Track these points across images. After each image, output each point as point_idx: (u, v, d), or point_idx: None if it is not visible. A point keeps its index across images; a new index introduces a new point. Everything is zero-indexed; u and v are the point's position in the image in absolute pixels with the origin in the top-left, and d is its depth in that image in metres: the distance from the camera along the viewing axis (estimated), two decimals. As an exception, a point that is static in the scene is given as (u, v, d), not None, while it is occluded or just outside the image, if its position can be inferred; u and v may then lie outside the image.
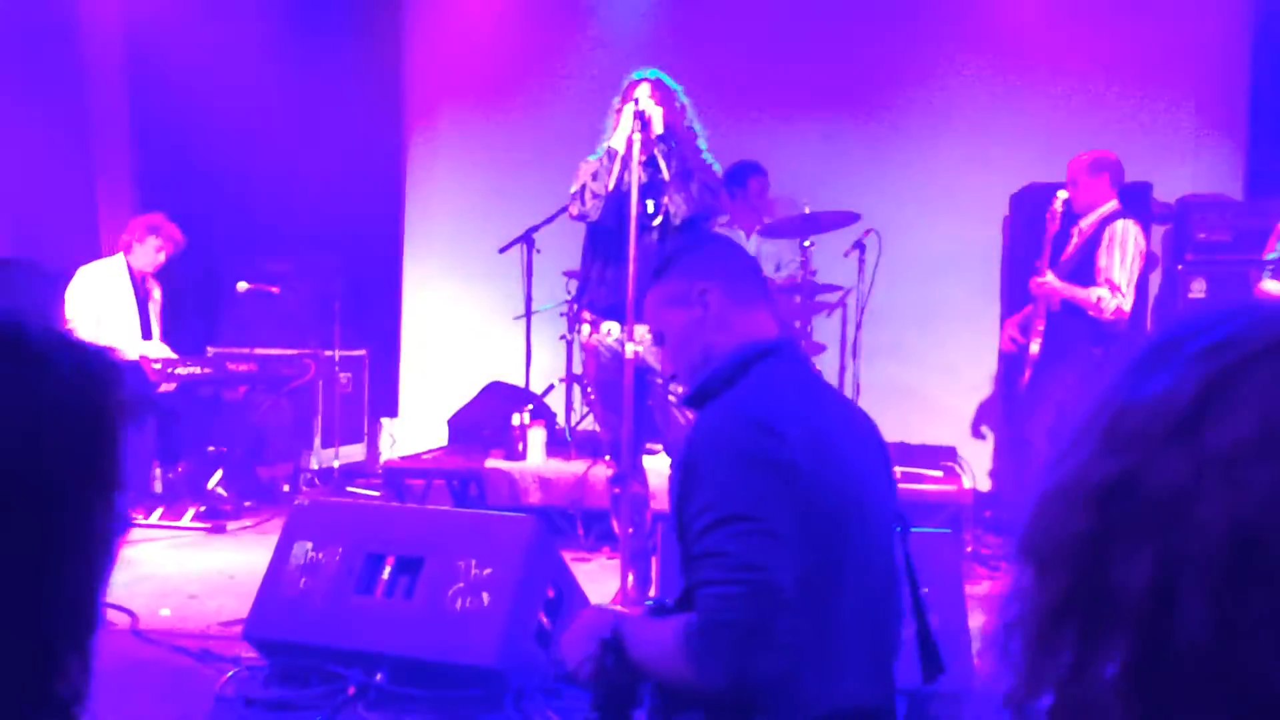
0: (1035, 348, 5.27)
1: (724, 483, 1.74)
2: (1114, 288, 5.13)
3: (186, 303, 6.67)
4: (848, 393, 6.43)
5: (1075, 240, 5.34)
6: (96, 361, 0.82)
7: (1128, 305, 5.16)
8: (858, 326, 6.32)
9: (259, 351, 6.89)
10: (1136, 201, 6.10)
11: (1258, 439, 0.55)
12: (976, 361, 6.84)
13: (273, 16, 7.42)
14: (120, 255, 6.15)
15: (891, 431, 7.15)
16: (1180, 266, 6.09)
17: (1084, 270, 5.21)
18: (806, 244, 6.03)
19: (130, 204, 7.37)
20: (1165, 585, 0.56)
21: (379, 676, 3.29)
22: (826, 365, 6.78)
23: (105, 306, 6.03)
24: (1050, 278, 5.20)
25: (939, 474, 5.60)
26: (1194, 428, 0.57)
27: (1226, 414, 0.57)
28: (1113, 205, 5.31)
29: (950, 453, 6.29)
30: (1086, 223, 5.31)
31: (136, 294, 6.13)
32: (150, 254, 6.12)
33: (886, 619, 1.87)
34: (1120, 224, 5.19)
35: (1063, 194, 5.29)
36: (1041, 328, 5.26)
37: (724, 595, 1.69)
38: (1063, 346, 5.20)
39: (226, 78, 7.33)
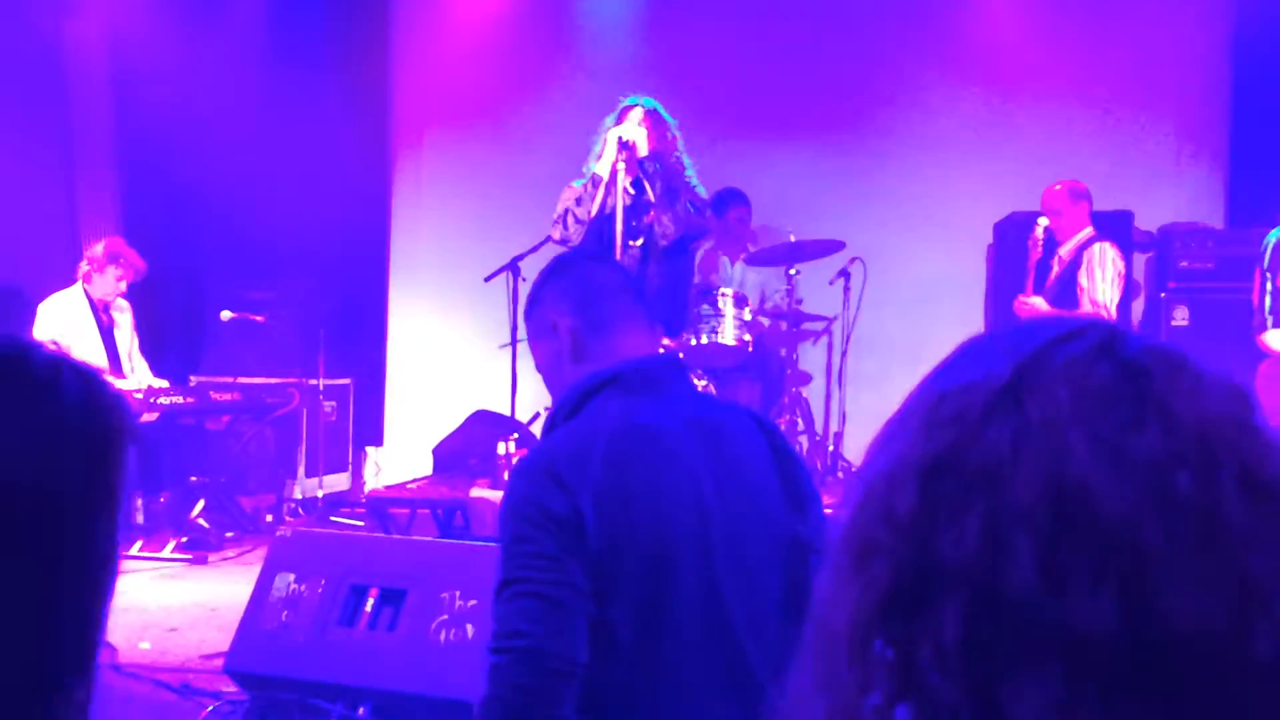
0: None
1: (503, 544, 1.71)
2: (1098, 307, 5.21)
3: (169, 331, 6.64)
4: (833, 421, 6.43)
5: (1056, 269, 5.42)
6: (100, 385, 0.82)
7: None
8: (843, 355, 6.33)
9: (242, 380, 6.85)
10: (1118, 229, 6.15)
11: (1070, 406, 0.60)
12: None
13: (258, 44, 7.43)
14: (79, 285, 6.00)
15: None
16: (1163, 294, 6.12)
17: (1066, 296, 5.28)
18: (792, 272, 6.04)
19: (113, 231, 7.33)
20: (993, 546, 0.58)
21: (362, 711, 3.25)
22: (813, 393, 6.79)
23: (70, 340, 5.90)
24: (1037, 300, 5.28)
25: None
26: (1012, 402, 0.62)
27: (1040, 388, 0.61)
28: (1089, 231, 5.42)
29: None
30: (1066, 250, 5.41)
31: (100, 324, 6.02)
32: (111, 283, 5.99)
33: (751, 654, 1.72)
34: (1098, 247, 5.32)
35: (1044, 221, 5.37)
36: None
37: (493, 666, 1.64)
38: None
39: (211, 104, 7.33)
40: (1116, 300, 5.32)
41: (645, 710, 1.69)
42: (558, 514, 1.66)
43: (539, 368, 1.98)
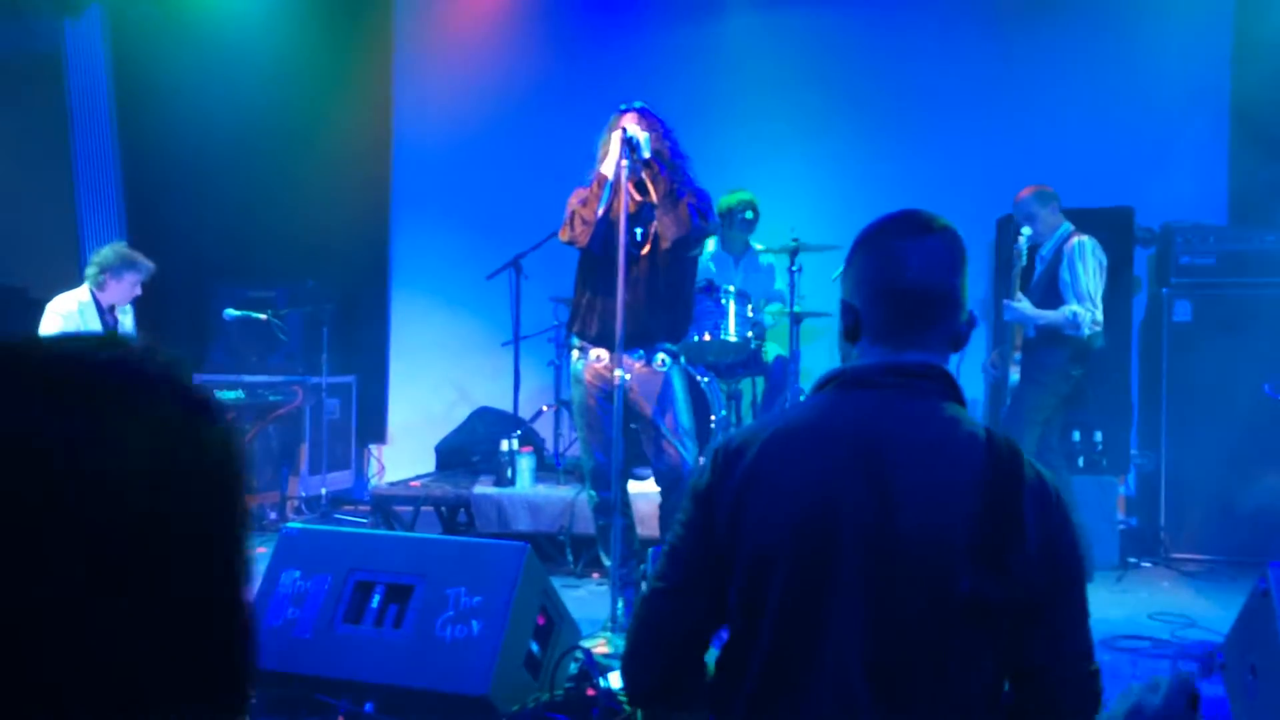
0: (1016, 376, 5.35)
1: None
2: (1083, 299, 5.23)
3: (173, 330, 6.65)
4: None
5: (1039, 268, 5.46)
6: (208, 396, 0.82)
7: (1100, 315, 5.26)
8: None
9: (246, 378, 6.87)
10: (1120, 226, 6.15)
11: None
12: (966, 383, 6.85)
13: (259, 44, 7.44)
14: (86, 288, 5.94)
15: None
16: (1165, 290, 6.13)
17: (1051, 295, 5.32)
18: (795, 269, 6.05)
19: (115, 231, 7.35)
20: None
21: (368, 706, 3.27)
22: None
23: None
24: (1024, 303, 5.29)
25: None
26: None
27: None
28: (1067, 227, 5.44)
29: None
30: (1047, 248, 5.44)
31: (105, 327, 6.00)
32: (127, 289, 5.93)
33: (864, 696, 1.58)
34: (1076, 241, 5.35)
35: (1026, 230, 5.39)
36: (1018, 357, 5.35)
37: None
38: (1041, 372, 5.29)
39: (214, 103, 7.35)
40: (1100, 291, 5.32)
41: (730, 697, 1.68)
42: (701, 492, 1.73)
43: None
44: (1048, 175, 6.55)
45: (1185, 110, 6.75)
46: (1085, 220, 6.18)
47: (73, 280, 6.63)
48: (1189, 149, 6.73)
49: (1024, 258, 5.37)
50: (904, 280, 1.71)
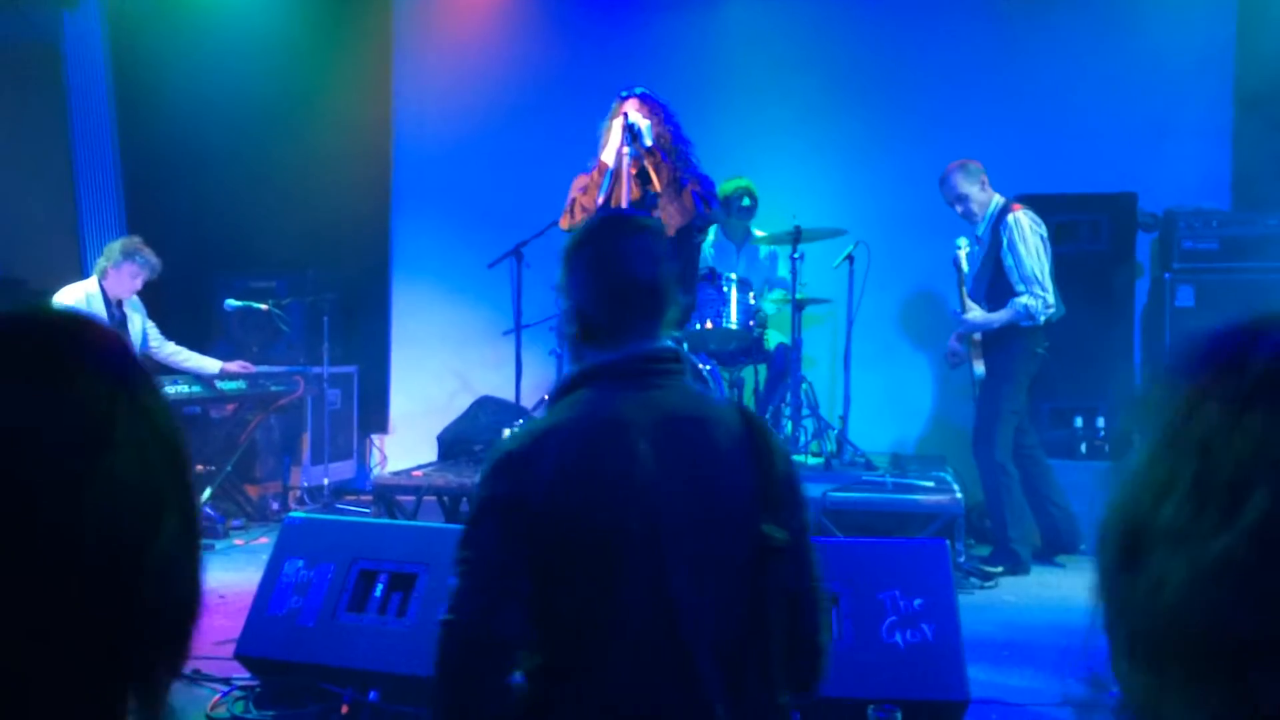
0: (981, 368, 5.30)
1: (467, 520, 1.84)
2: (1030, 283, 5.15)
3: (175, 321, 6.64)
4: (837, 402, 6.44)
5: (979, 252, 5.37)
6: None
7: (1051, 296, 5.19)
8: (848, 337, 6.32)
9: (250, 367, 6.86)
10: (1123, 211, 6.14)
11: None
12: (965, 371, 6.87)
13: (259, 32, 7.42)
14: (95, 279, 5.99)
15: (881, 441, 7.19)
16: (1168, 275, 6.11)
17: (999, 280, 5.24)
18: (796, 256, 6.04)
19: (114, 222, 7.34)
20: None
21: (372, 694, 3.27)
22: (818, 377, 6.80)
23: None
24: (976, 312, 5.22)
25: (930, 484, 5.60)
26: None
27: None
28: (998, 200, 5.34)
29: (940, 462, 6.30)
30: (983, 228, 5.35)
31: (111, 319, 6.01)
32: (127, 280, 5.97)
33: (698, 651, 1.76)
34: (1010, 218, 5.22)
35: (963, 242, 5.29)
36: (980, 351, 5.30)
37: (437, 638, 1.78)
38: (1009, 361, 5.25)
39: (213, 94, 7.33)
40: (1047, 268, 5.20)
41: (587, 691, 1.76)
42: (507, 500, 1.75)
43: (559, 338, 2.09)
44: (1050, 160, 6.55)
45: (1188, 95, 6.73)
46: (1088, 205, 6.18)
47: (73, 272, 6.62)
48: (1192, 134, 6.71)
49: (964, 266, 5.25)
50: (631, 277, 1.88)
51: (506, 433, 5.92)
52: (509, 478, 1.76)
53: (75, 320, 0.80)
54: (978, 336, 5.30)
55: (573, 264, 1.94)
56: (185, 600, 0.78)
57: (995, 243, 5.25)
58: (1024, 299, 5.14)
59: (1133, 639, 0.60)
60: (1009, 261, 5.18)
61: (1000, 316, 5.17)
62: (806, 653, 1.91)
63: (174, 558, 0.76)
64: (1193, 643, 0.56)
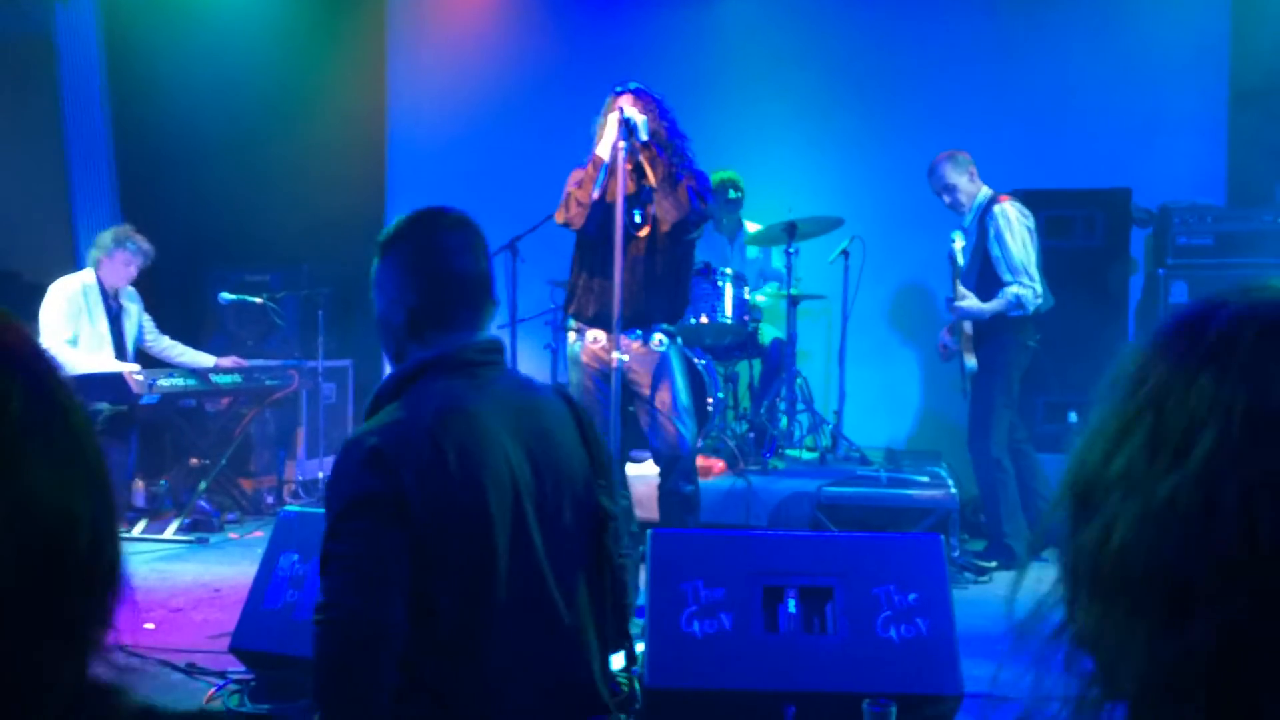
0: (972, 361, 5.29)
1: (328, 519, 1.83)
2: (1018, 274, 5.15)
3: (169, 314, 6.62)
4: (832, 397, 6.45)
5: (965, 243, 5.36)
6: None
7: (1040, 286, 5.18)
8: (843, 332, 6.33)
9: (242, 363, 6.85)
10: (1118, 207, 6.15)
11: None
12: (958, 365, 6.89)
13: (253, 26, 7.40)
14: (90, 270, 5.99)
15: (876, 436, 7.18)
16: (1162, 271, 6.13)
17: (987, 272, 5.24)
18: (791, 251, 6.04)
19: (108, 215, 7.32)
20: None
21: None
22: (812, 371, 6.80)
23: (78, 321, 5.89)
24: (970, 300, 5.20)
25: (925, 479, 5.61)
26: None
27: None
28: (984, 193, 5.33)
29: (934, 457, 6.31)
30: (969, 220, 5.34)
31: (109, 310, 6.01)
32: (121, 268, 5.97)
33: (563, 612, 1.93)
34: (996, 209, 5.21)
35: (958, 236, 5.26)
36: (971, 345, 5.29)
37: (314, 634, 1.79)
38: (1001, 354, 5.24)
39: (207, 87, 7.31)
40: (1035, 259, 5.19)
41: (467, 669, 1.83)
42: (378, 492, 1.78)
43: (379, 332, 2.07)
44: (1045, 155, 6.56)
45: (1183, 90, 6.74)
46: (1083, 200, 6.18)
47: (67, 265, 6.60)
48: (1187, 129, 6.72)
49: (959, 259, 5.24)
50: (457, 270, 1.96)
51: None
52: (380, 472, 1.79)
53: None
54: (969, 330, 5.29)
55: (394, 258, 1.98)
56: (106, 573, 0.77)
57: (982, 234, 5.24)
58: (1014, 288, 5.13)
59: (1081, 576, 0.63)
60: (996, 252, 5.18)
61: (992, 306, 5.17)
62: (620, 613, 2.07)
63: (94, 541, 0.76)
64: (1136, 579, 0.59)
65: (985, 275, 5.23)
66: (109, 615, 0.77)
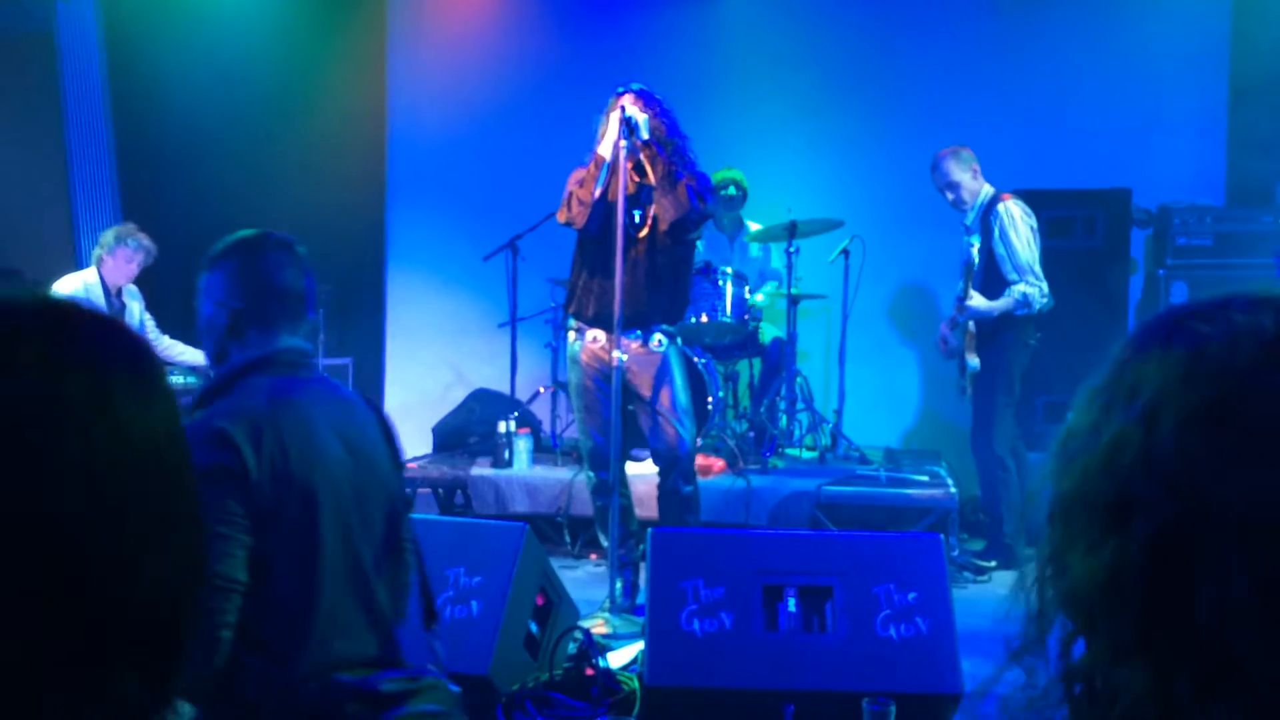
0: (975, 360, 5.28)
1: None
2: (1023, 273, 5.15)
3: (168, 314, 6.62)
4: (832, 396, 6.46)
5: (967, 239, 5.36)
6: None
7: (1045, 285, 5.18)
8: (843, 331, 6.34)
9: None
10: (1117, 207, 6.15)
11: None
12: (960, 364, 6.90)
13: (254, 23, 7.40)
14: (93, 269, 5.99)
15: (876, 435, 7.17)
16: (1161, 271, 6.13)
17: (991, 270, 5.23)
18: (791, 250, 6.05)
19: (109, 213, 7.33)
20: None
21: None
22: (812, 371, 6.81)
23: None
24: (978, 299, 5.19)
25: (924, 479, 5.62)
26: None
27: None
28: (987, 191, 5.32)
29: (934, 457, 6.32)
30: (972, 218, 5.33)
31: (110, 309, 6.00)
32: (123, 266, 5.96)
33: (373, 583, 2.21)
34: (1001, 207, 5.20)
35: (975, 240, 5.24)
36: (974, 344, 5.29)
37: None
38: (1004, 353, 5.25)
39: (207, 84, 7.31)
40: (1038, 257, 5.19)
41: (300, 628, 2.09)
42: (224, 466, 2.03)
43: (202, 334, 2.34)
44: (1045, 155, 6.56)
45: (1183, 90, 6.74)
46: (1083, 201, 6.18)
47: (67, 262, 6.60)
48: (1186, 130, 6.73)
49: (977, 260, 5.23)
50: (282, 283, 2.26)
51: (502, 425, 5.93)
52: (225, 449, 2.03)
53: (62, 308, 0.76)
54: (972, 329, 5.29)
55: (224, 269, 2.27)
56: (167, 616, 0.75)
57: (985, 232, 5.24)
58: (1021, 287, 5.13)
59: (1052, 506, 0.75)
60: (1000, 251, 5.17)
61: (1000, 305, 5.16)
62: (405, 589, 2.33)
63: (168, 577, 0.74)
64: (1089, 501, 0.71)
65: (989, 274, 5.22)
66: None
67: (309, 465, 2.12)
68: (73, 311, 0.75)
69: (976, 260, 5.17)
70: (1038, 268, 5.18)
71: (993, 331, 5.24)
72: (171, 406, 0.76)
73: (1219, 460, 0.65)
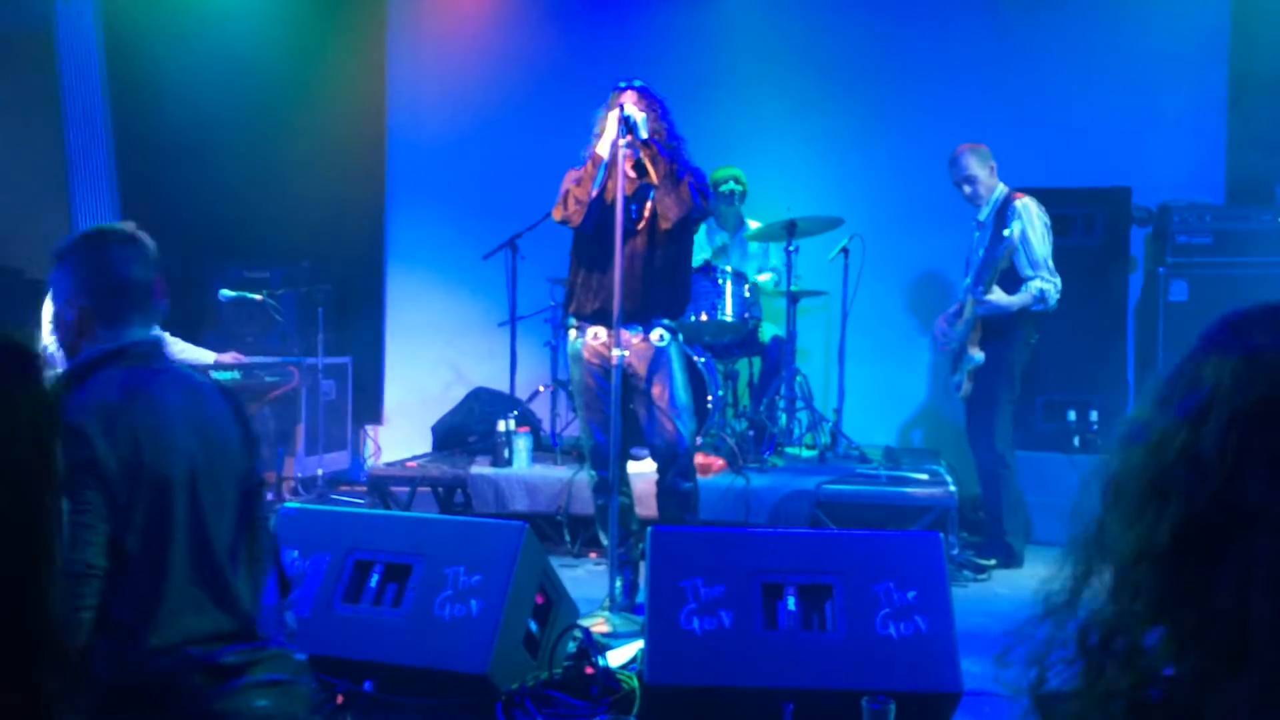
0: (979, 355, 5.28)
1: None
2: (1037, 267, 5.17)
3: (169, 310, 6.62)
4: (831, 395, 6.46)
5: (982, 236, 5.36)
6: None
7: (1059, 281, 5.20)
8: (842, 330, 6.34)
9: (241, 359, 6.85)
10: (1117, 205, 6.15)
11: None
12: (952, 360, 6.90)
13: (254, 22, 7.40)
14: None
15: (875, 434, 7.18)
16: (1161, 270, 6.13)
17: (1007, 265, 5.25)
18: (791, 248, 6.05)
19: (108, 211, 7.32)
20: None
21: (367, 685, 3.28)
22: (812, 369, 6.81)
23: None
24: (997, 293, 5.19)
25: (924, 477, 5.62)
26: None
27: None
28: (1002, 188, 5.35)
29: (933, 455, 6.32)
30: (986, 214, 5.34)
31: None
32: None
33: (226, 561, 2.30)
34: (1019, 204, 5.22)
35: (1014, 229, 5.23)
36: (979, 339, 5.28)
37: None
38: (1007, 349, 5.25)
39: (207, 83, 7.31)
40: (1050, 256, 5.23)
41: (150, 607, 2.18)
42: (83, 461, 2.10)
43: (54, 328, 2.39)
44: (1044, 153, 6.56)
45: (1182, 89, 6.74)
46: (1082, 199, 6.18)
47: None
48: (1186, 128, 6.73)
49: (1007, 259, 5.22)
50: (129, 276, 2.31)
51: (502, 424, 5.93)
52: (79, 443, 2.10)
53: None
54: (979, 325, 5.29)
55: (69, 265, 2.32)
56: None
57: (1000, 226, 5.24)
58: (1038, 283, 5.16)
59: (1105, 481, 0.82)
60: (1018, 246, 5.18)
61: (1017, 300, 5.18)
62: (261, 565, 2.42)
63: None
64: (1138, 480, 0.78)
65: (1005, 270, 5.23)
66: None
67: (161, 453, 2.21)
68: None
69: (1005, 257, 5.14)
70: (1051, 263, 5.20)
71: (1002, 327, 5.24)
72: (38, 402, 0.79)
73: (1258, 459, 0.71)
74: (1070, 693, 0.78)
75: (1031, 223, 5.19)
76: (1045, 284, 5.16)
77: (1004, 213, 5.24)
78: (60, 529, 0.80)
